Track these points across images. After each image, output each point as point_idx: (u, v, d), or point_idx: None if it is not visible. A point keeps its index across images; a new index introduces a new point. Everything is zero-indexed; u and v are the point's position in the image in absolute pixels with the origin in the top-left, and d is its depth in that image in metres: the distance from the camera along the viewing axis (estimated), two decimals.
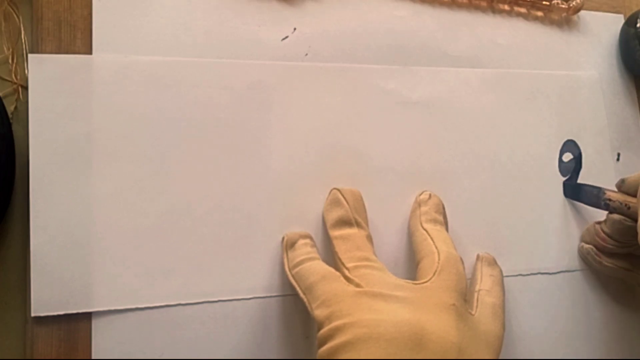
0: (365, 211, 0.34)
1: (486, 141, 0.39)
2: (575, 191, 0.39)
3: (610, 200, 0.36)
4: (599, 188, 0.37)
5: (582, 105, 0.43)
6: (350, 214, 0.33)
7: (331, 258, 0.32)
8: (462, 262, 0.32)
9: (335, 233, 0.32)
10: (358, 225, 0.32)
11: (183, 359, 0.31)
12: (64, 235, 0.31)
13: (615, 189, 0.37)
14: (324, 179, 0.35)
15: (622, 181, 0.36)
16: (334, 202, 0.33)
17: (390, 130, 0.37)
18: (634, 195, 0.35)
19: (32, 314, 0.30)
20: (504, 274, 0.36)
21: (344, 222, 0.32)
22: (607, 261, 0.37)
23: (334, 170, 0.36)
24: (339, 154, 0.36)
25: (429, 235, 0.33)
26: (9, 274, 0.31)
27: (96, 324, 0.30)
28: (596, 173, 0.42)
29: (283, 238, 0.33)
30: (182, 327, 0.31)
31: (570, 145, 0.41)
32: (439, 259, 0.31)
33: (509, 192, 0.39)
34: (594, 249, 0.38)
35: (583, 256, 0.39)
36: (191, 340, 0.31)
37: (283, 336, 0.33)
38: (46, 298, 0.30)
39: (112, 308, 0.31)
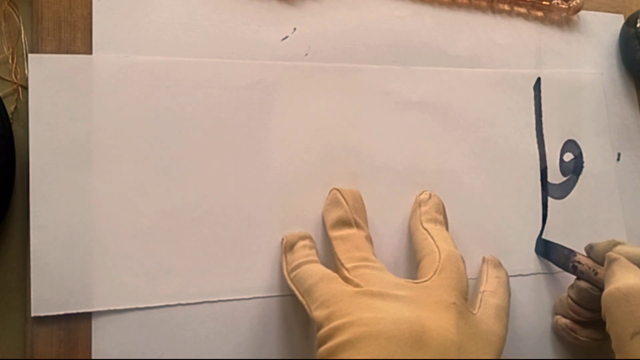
0: (365, 211, 0.34)
1: (486, 141, 0.39)
2: (546, 249, 0.38)
3: (579, 263, 0.34)
4: (571, 250, 0.36)
5: (582, 105, 0.43)
6: (350, 215, 0.33)
7: (332, 258, 0.32)
8: (463, 261, 0.32)
9: (334, 233, 0.32)
10: (357, 225, 0.32)
11: (183, 359, 0.31)
12: (64, 235, 0.31)
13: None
14: (324, 179, 0.35)
15: (591, 247, 0.35)
16: (334, 203, 0.33)
17: (390, 130, 0.37)
18: (602, 264, 0.33)
19: (32, 314, 0.30)
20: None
21: (344, 223, 0.32)
22: (582, 335, 0.35)
23: (334, 170, 0.36)
24: (339, 153, 0.36)
25: (430, 234, 0.33)
26: (9, 274, 0.31)
27: (96, 324, 0.30)
28: (596, 173, 0.42)
29: (282, 240, 0.33)
30: (182, 327, 0.31)
31: (570, 146, 0.41)
32: (439, 258, 0.31)
33: (509, 192, 0.39)
34: (569, 324, 0.36)
35: (558, 331, 0.37)
36: (191, 340, 0.31)
37: (283, 336, 0.33)
38: (46, 298, 0.30)
39: (112, 308, 0.31)
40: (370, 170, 0.36)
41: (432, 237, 0.33)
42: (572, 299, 0.35)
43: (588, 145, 0.42)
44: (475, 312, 0.31)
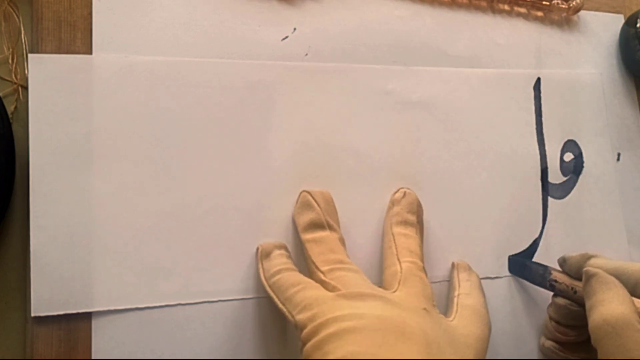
0: (336, 213, 0.34)
1: (486, 141, 0.39)
2: (520, 268, 0.37)
3: (556, 281, 0.34)
4: (545, 267, 0.35)
5: (582, 105, 0.43)
6: (322, 217, 0.32)
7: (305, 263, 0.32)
8: (425, 270, 0.32)
9: (307, 236, 0.32)
10: (330, 227, 0.32)
11: (183, 359, 0.31)
12: (64, 235, 0.31)
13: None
14: (324, 178, 0.35)
15: (564, 260, 0.34)
16: (305, 205, 0.33)
17: (390, 130, 0.37)
18: (576, 277, 0.33)
19: (32, 314, 0.30)
20: (507, 274, 0.36)
21: (316, 225, 0.32)
22: (572, 357, 0.35)
23: (334, 170, 0.36)
24: (339, 153, 0.36)
25: (395, 242, 0.33)
26: (9, 274, 0.31)
27: (96, 324, 0.30)
28: (596, 173, 0.42)
29: (257, 248, 0.33)
30: (182, 327, 0.31)
31: (571, 145, 0.41)
32: (400, 271, 0.31)
33: (509, 192, 0.39)
34: (556, 346, 0.35)
35: (546, 354, 0.36)
36: (191, 340, 0.31)
37: (283, 336, 0.33)
38: (46, 298, 0.30)
39: (112, 308, 0.31)
40: (370, 170, 0.36)
41: (395, 247, 0.32)
42: (553, 320, 0.35)
43: (588, 145, 0.42)
44: (451, 318, 0.31)
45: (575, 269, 0.33)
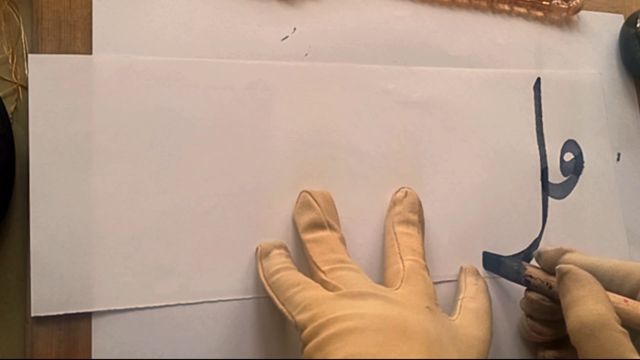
0: (336, 213, 0.34)
1: (486, 141, 0.39)
2: (494, 264, 0.36)
3: (531, 277, 0.33)
4: (520, 262, 0.35)
5: (582, 105, 0.43)
6: (322, 217, 0.32)
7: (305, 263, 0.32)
8: (427, 269, 0.31)
9: (308, 236, 0.32)
10: (330, 227, 0.32)
11: (183, 359, 0.31)
12: (64, 235, 0.31)
13: (540, 262, 0.34)
14: (323, 178, 0.35)
15: (539, 254, 0.34)
16: (305, 205, 0.33)
17: (390, 130, 0.37)
18: (551, 272, 0.32)
19: (32, 314, 0.30)
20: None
21: (316, 225, 0.32)
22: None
23: (334, 169, 0.36)
24: (339, 153, 0.36)
25: (397, 241, 0.33)
26: (9, 274, 0.31)
27: (96, 324, 0.30)
28: (596, 173, 0.42)
29: (257, 248, 0.33)
30: (182, 327, 0.31)
31: (571, 145, 0.41)
32: (403, 269, 0.31)
33: (509, 192, 0.39)
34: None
35: None
36: (191, 340, 0.31)
37: (283, 336, 0.33)
38: (46, 298, 0.30)
39: (112, 308, 0.31)
40: (370, 169, 0.36)
41: (398, 245, 0.32)
42: (526, 313, 0.34)
43: (588, 145, 0.42)
44: (454, 318, 0.31)
45: (550, 264, 0.33)
